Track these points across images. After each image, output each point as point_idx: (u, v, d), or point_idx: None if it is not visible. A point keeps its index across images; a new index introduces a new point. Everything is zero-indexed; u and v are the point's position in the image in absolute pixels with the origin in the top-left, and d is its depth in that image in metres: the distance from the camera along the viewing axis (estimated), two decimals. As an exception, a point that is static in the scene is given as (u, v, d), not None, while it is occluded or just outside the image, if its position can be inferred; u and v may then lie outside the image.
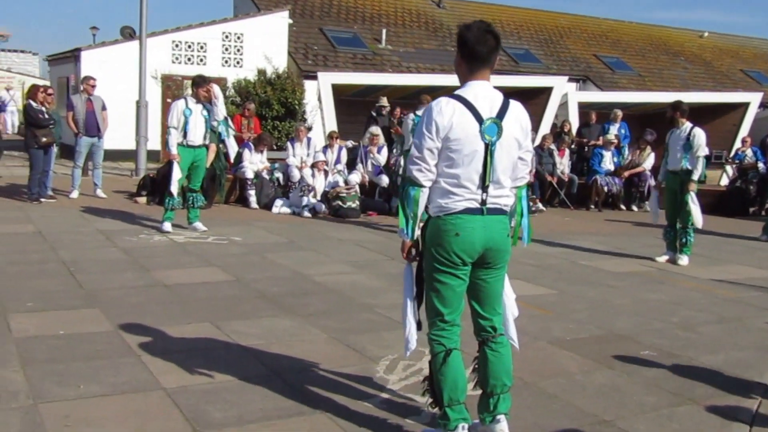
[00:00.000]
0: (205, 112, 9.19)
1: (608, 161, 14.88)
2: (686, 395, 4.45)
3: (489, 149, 3.34)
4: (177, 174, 9.02)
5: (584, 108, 18.35)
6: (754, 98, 20.83)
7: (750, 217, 14.59)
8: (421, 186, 3.40)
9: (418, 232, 3.52)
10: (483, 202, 3.38)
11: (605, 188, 14.55)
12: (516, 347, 3.70)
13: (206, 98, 9.18)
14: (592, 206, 14.45)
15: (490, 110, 3.37)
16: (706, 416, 4.17)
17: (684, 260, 8.89)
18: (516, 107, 3.46)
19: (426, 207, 3.47)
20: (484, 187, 3.37)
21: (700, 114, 16.75)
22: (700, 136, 8.67)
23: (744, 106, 20.67)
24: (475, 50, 3.38)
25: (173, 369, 4.46)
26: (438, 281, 3.45)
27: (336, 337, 5.30)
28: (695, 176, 8.66)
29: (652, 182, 14.41)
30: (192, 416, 3.81)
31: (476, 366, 3.61)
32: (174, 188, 9.05)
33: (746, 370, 4.97)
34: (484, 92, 3.41)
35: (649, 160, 14.84)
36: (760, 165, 14.69)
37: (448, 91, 3.53)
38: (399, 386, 4.36)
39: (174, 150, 9.00)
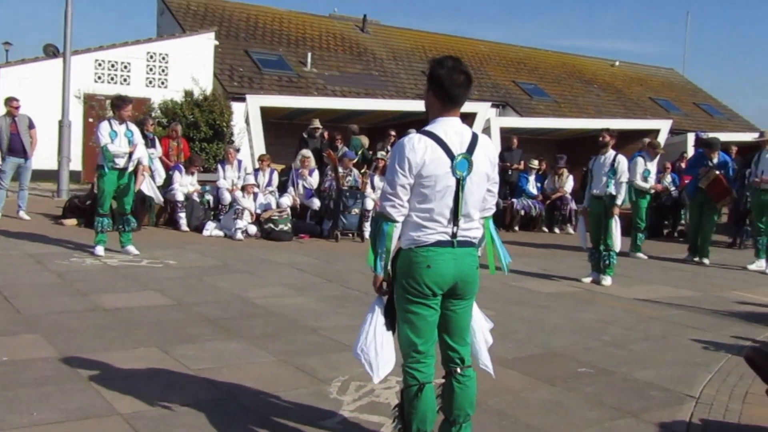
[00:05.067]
0: (129, 133, 9.03)
1: (532, 185, 15.44)
2: (625, 409, 4.71)
3: (460, 184, 3.41)
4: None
5: (505, 133, 18.87)
6: (664, 125, 21.75)
7: (664, 238, 15.33)
8: (395, 221, 3.45)
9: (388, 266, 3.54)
10: (454, 235, 3.45)
11: (522, 211, 15.07)
12: (492, 374, 3.82)
13: (129, 117, 9.12)
14: (516, 228, 14.94)
15: (460, 146, 3.43)
16: (645, 428, 4.42)
17: (607, 281, 9.29)
18: (485, 141, 3.55)
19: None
20: (455, 220, 3.44)
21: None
22: (623, 162, 9.14)
23: (655, 133, 21.59)
24: (451, 94, 3.44)
25: (126, 394, 4.42)
26: (411, 312, 3.49)
27: (285, 359, 5.35)
28: (619, 201, 9.09)
29: (573, 205, 15.00)
30: (153, 441, 3.82)
31: (441, 393, 3.68)
32: (104, 209, 8.98)
33: (677, 384, 5.28)
34: (454, 128, 3.47)
35: (568, 184, 15.47)
36: (672, 189, 15.41)
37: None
38: (354, 406, 4.46)
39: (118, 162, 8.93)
